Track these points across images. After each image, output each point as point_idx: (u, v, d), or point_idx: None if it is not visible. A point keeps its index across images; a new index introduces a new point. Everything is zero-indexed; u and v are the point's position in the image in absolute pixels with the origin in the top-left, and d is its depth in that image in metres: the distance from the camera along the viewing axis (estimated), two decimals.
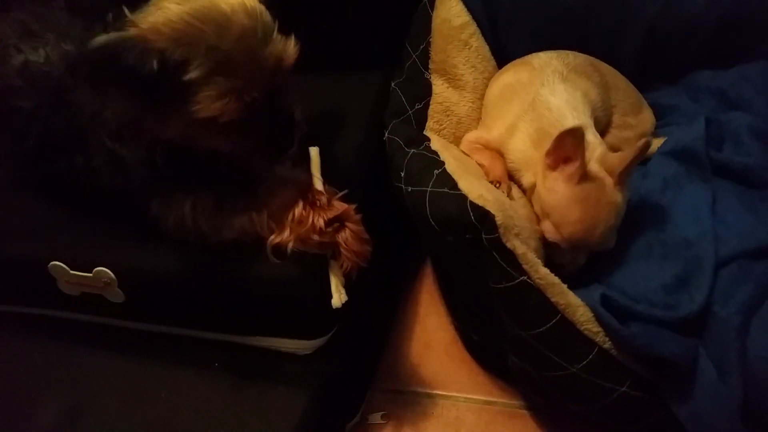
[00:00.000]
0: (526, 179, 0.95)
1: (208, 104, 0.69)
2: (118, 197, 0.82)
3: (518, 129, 0.97)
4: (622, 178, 0.86)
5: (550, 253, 0.90)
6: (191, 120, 0.70)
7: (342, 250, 0.83)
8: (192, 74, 0.68)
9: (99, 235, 0.91)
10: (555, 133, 0.90)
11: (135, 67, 0.65)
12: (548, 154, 0.87)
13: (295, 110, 0.77)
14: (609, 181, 0.85)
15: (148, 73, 0.66)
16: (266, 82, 0.72)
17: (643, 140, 0.86)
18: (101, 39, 0.66)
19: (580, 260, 0.90)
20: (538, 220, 0.91)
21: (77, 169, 0.86)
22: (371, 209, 0.92)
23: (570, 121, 0.92)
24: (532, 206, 0.94)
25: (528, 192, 0.95)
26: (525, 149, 0.95)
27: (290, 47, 0.74)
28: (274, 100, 0.75)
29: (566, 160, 0.85)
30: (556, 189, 0.87)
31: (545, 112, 0.95)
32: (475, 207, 0.81)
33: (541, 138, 0.93)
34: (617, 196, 0.86)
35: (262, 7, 0.73)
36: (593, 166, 0.86)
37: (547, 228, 0.88)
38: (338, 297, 0.83)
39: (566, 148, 0.84)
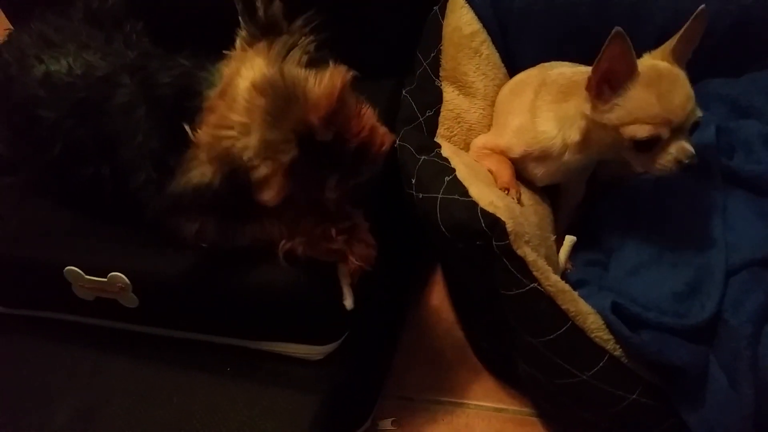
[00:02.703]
0: (582, 134, 0.89)
1: (265, 191, 0.72)
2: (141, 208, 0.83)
3: (539, 108, 0.95)
4: (675, 55, 0.84)
5: (658, 169, 0.84)
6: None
7: (348, 254, 0.84)
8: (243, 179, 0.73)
9: (114, 241, 0.92)
10: (577, 79, 0.88)
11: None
12: (589, 86, 0.83)
13: (346, 139, 0.75)
14: (662, 63, 0.83)
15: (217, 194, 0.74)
16: (308, 131, 0.72)
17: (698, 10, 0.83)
18: (176, 189, 0.73)
19: (688, 146, 0.82)
20: (619, 135, 0.84)
21: (103, 179, 0.88)
22: (382, 216, 0.93)
23: (584, 69, 0.89)
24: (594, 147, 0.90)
25: (587, 142, 0.90)
26: (555, 116, 0.92)
27: (325, 85, 0.73)
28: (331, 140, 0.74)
29: (608, 80, 0.82)
30: (615, 104, 0.82)
31: (559, 78, 0.94)
32: (486, 214, 0.81)
33: (566, 91, 0.91)
34: (676, 69, 0.83)
35: (276, 71, 0.73)
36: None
37: (634, 129, 0.82)
38: (351, 300, 0.85)
39: (612, 61, 0.80)
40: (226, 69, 0.77)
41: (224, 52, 0.80)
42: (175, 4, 1.15)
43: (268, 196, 0.72)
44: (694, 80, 1.16)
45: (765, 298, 0.78)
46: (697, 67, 1.15)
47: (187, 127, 0.75)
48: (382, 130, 0.79)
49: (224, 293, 0.88)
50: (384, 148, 0.78)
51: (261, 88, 0.72)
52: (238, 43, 0.79)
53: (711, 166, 0.94)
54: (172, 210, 0.74)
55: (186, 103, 0.78)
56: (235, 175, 0.73)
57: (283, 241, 0.82)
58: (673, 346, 0.77)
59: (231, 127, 0.72)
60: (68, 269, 0.90)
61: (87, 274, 0.89)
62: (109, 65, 0.91)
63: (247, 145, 0.71)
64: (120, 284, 0.88)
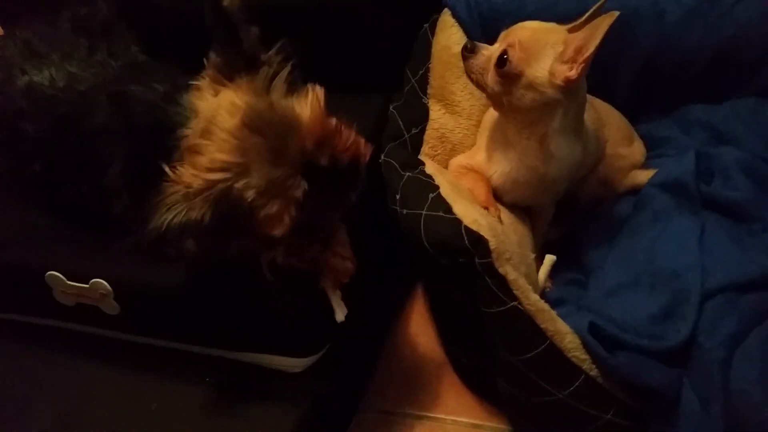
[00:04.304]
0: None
1: (275, 226, 0.71)
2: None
3: None
4: None
5: None
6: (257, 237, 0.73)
7: (324, 267, 0.85)
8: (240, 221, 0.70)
9: (97, 248, 0.91)
10: None
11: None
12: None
13: (338, 157, 0.74)
14: None
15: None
16: (308, 159, 0.71)
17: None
18: (160, 224, 0.67)
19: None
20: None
21: (84, 197, 0.87)
22: (366, 230, 0.94)
23: None
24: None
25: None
26: None
27: (312, 109, 0.72)
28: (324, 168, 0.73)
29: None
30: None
31: None
32: (470, 231, 0.82)
33: None
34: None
35: (267, 106, 0.71)
36: None
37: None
38: (342, 313, 0.85)
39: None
40: (200, 103, 0.74)
41: (191, 83, 0.76)
42: (166, 12, 1.15)
43: (278, 231, 0.71)
44: (676, 105, 1.20)
45: (738, 322, 0.79)
46: (681, 92, 1.18)
47: (165, 167, 0.70)
48: (362, 140, 0.79)
49: (206, 303, 0.88)
50: (367, 158, 0.79)
51: (254, 126, 0.69)
52: (209, 72, 0.75)
53: (690, 190, 0.96)
54: (155, 244, 0.69)
55: (161, 138, 0.74)
56: (233, 213, 0.70)
57: (264, 253, 0.82)
58: (649, 368, 0.78)
59: (226, 169, 0.69)
60: (50, 274, 0.89)
61: (69, 280, 0.89)
62: (90, 78, 0.89)
63: (249, 185, 0.69)
64: (102, 291, 0.88)
